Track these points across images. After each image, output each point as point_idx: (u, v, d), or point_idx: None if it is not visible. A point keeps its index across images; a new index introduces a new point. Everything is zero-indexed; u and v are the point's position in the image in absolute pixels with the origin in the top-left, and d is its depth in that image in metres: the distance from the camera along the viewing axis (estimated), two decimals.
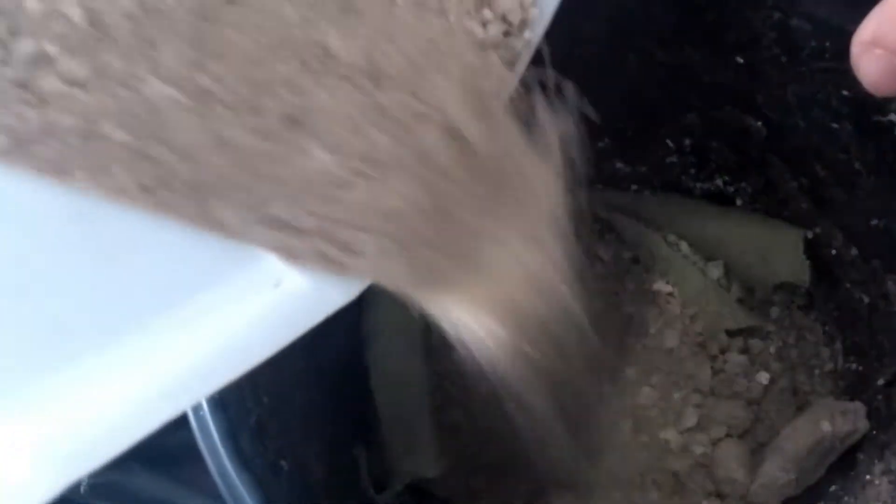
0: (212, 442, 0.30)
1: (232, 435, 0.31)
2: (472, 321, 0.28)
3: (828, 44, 0.39)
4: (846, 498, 0.43)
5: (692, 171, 0.52)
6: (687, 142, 0.50)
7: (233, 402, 0.31)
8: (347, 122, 0.23)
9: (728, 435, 0.48)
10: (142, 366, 0.22)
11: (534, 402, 0.33)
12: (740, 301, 0.51)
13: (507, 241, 0.27)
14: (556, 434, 0.36)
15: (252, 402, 0.33)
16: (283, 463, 0.34)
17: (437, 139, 0.25)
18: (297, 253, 0.23)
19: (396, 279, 0.26)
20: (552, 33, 0.44)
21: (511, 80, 0.27)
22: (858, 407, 0.45)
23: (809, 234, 0.49)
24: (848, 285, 0.48)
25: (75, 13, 0.20)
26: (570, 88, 0.30)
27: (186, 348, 0.22)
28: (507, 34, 0.26)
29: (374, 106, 0.23)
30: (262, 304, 0.23)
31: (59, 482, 0.21)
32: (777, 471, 0.45)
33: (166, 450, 0.48)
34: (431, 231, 0.25)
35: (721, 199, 0.52)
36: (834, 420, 0.45)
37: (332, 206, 0.23)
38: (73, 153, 0.20)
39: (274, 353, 0.24)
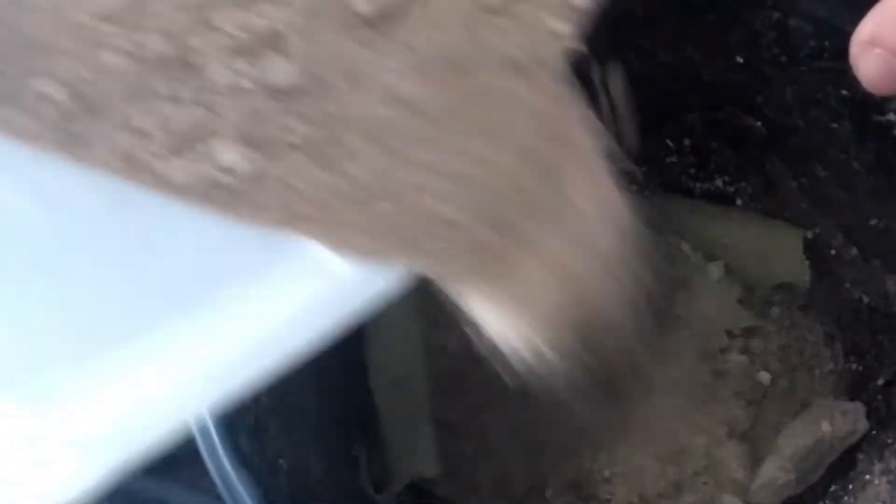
0: (210, 441, 0.30)
1: (230, 434, 0.31)
2: (510, 323, 0.27)
3: (827, 43, 0.39)
4: (845, 498, 0.43)
5: (692, 171, 0.52)
6: (687, 142, 0.50)
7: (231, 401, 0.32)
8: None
9: (728, 435, 0.48)
10: (182, 353, 0.22)
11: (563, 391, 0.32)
12: (740, 301, 0.51)
13: (557, 237, 0.26)
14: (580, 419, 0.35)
15: (250, 401, 0.33)
16: (281, 462, 0.34)
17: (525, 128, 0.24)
18: (339, 243, 0.23)
19: (440, 269, 0.25)
20: None
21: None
22: (858, 407, 0.45)
23: (809, 235, 0.49)
24: (848, 285, 0.48)
25: None
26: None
27: (230, 334, 0.22)
28: None
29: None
30: (305, 290, 0.23)
31: (105, 469, 0.21)
32: (777, 471, 0.45)
33: (166, 450, 0.48)
34: (484, 222, 0.25)
35: (721, 199, 0.52)
36: (834, 420, 0.45)
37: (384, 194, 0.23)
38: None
39: (320, 342, 0.23)
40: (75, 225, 0.21)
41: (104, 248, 0.21)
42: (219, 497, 0.31)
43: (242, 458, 0.31)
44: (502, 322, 0.27)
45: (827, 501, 0.45)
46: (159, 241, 0.22)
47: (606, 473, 0.47)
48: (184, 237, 0.22)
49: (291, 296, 0.23)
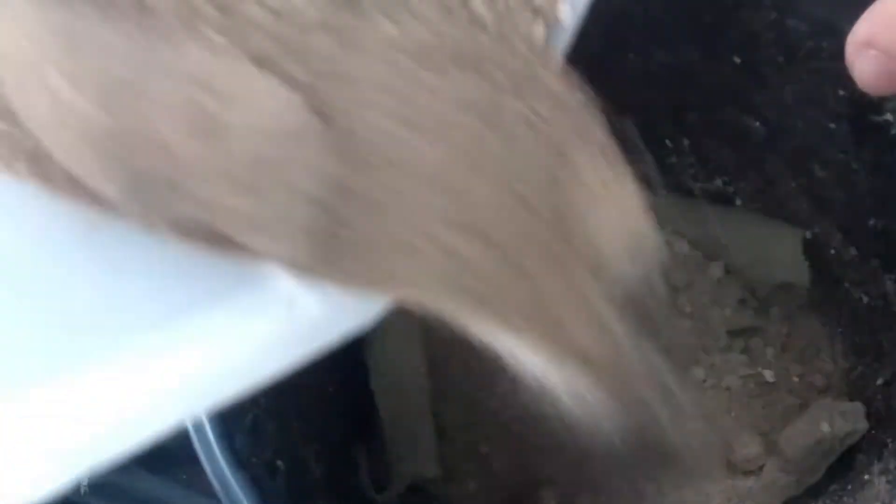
0: (207, 442, 0.30)
1: (227, 435, 0.31)
2: (532, 355, 0.26)
3: (824, 44, 0.39)
4: (845, 498, 0.43)
5: (692, 171, 0.52)
6: (686, 142, 0.50)
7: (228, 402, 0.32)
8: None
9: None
10: (137, 376, 0.22)
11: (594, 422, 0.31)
12: (740, 301, 0.51)
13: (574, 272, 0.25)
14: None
15: (248, 402, 0.33)
16: (279, 463, 0.34)
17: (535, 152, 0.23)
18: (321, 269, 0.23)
19: (442, 300, 0.24)
20: None
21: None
22: (858, 407, 0.45)
23: (808, 235, 0.49)
24: (847, 285, 0.48)
25: None
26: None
27: (185, 363, 0.22)
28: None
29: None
30: (270, 324, 0.22)
31: (58, 480, 0.21)
32: (777, 472, 0.45)
33: (165, 450, 0.48)
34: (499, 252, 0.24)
35: (721, 199, 0.52)
36: (833, 421, 0.45)
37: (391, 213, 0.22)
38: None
39: (280, 374, 0.23)
40: (43, 245, 0.21)
41: (66, 266, 0.22)
42: (218, 499, 0.31)
43: (239, 460, 0.31)
44: (538, 359, 0.25)
45: (827, 501, 0.45)
46: (126, 265, 0.22)
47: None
48: (151, 262, 0.22)
49: (255, 328, 0.22)
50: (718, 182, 0.52)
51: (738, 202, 0.52)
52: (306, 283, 0.23)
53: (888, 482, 0.42)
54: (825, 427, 0.44)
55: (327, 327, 0.23)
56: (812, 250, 0.49)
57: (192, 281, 0.22)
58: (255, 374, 0.23)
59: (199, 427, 0.31)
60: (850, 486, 0.44)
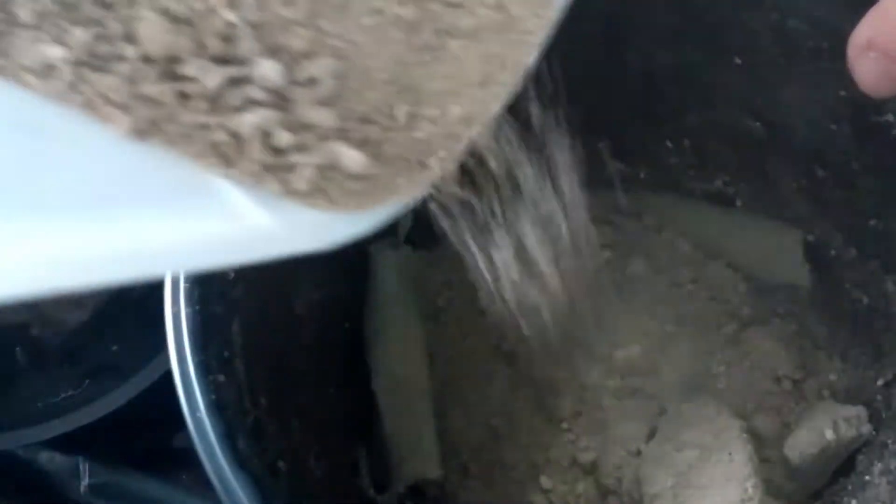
0: (208, 443, 0.30)
1: (229, 436, 0.31)
2: None
3: (825, 44, 0.39)
4: (845, 498, 0.43)
5: (692, 171, 0.52)
6: (687, 143, 0.50)
7: (230, 403, 0.32)
8: None
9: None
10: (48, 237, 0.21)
11: None
12: (741, 301, 0.51)
13: None
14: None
15: (250, 403, 0.33)
16: (280, 464, 0.34)
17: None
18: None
19: None
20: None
21: None
22: (861, 412, 0.45)
23: (810, 238, 0.49)
24: (848, 286, 0.48)
25: None
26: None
27: (101, 235, 0.22)
28: None
29: None
30: (204, 224, 0.22)
31: None
32: (783, 479, 0.46)
33: (165, 452, 0.48)
34: None
35: (721, 200, 0.52)
36: (837, 427, 0.44)
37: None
38: None
39: (212, 269, 0.23)
40: None
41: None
42: (218, 500, 0.31)
43: (241, 461, 0.31)
44: None
45: (827, 501, 0.45)
46: (62, 153, 0.22)
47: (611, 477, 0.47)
48: (95, 160, 0.22)
49: (182, 225, 0.22)
50: (719, 183, 0.52)
51: (739, 203, 0.52)
52: (260, 200, 0.22)
53: (889, 483, 0.42)
54: (829, 434, 0.44)
55: (275, 241, 0.23)
56: (813, 251, 0.49)
57: (134, 181, 0.22)
58: (174, 262, 0.23)
59: (200, 428, 0.31)
60: (850, 487, 0.44)
